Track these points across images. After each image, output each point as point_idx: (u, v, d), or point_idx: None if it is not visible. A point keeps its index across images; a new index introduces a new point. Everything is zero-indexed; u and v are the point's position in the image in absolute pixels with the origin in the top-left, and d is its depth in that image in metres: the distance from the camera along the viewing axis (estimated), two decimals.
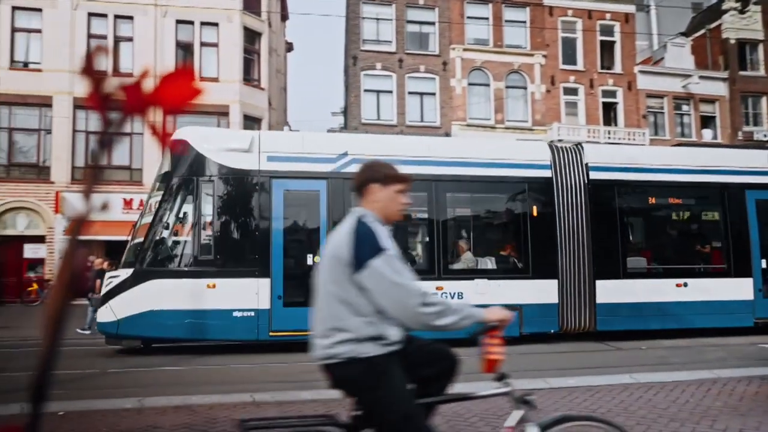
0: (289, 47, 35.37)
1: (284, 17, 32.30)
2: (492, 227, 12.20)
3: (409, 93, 26.89)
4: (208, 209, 10.41)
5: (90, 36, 22.61)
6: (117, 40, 22.69)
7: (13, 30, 22.36)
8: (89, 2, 22.60)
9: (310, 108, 78.95)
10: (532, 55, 28.08)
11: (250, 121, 23.70)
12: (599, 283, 11.43)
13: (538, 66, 28.09)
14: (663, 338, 11.12)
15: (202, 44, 23.70)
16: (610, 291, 11.42)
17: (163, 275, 9.93)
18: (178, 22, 23.38)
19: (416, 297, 2.39)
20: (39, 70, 22.14)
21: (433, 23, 27.53)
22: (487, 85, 27.64)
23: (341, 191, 10.57)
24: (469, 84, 27.46)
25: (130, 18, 23.02)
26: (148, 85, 0.47)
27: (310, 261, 10.57)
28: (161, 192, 10.51)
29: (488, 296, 10.71)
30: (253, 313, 10.05)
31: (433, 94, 27.20)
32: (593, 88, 28.72)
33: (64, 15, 22.41)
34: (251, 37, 24.65)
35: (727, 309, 11.76)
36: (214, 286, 9.94)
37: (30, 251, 21.91)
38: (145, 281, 9.83)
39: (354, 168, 12.40)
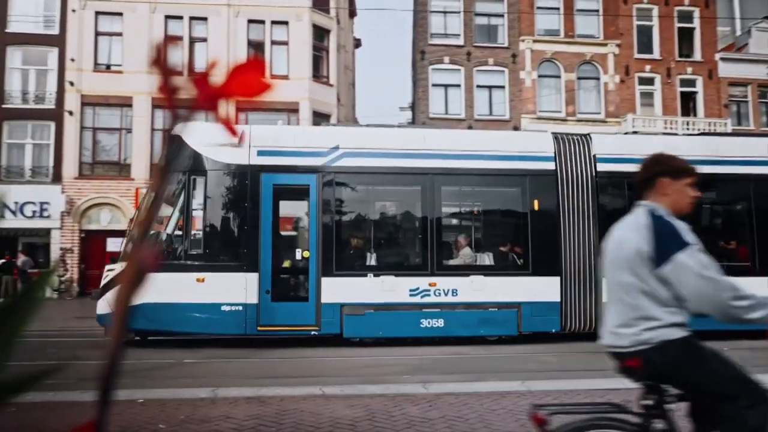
0: (357, 43, 35.61)
1: (352, 14, 32.54)
2: (490, 222, 11.78)
3: (478, 86, 26.58)
4: (198, 204, 10.52)
5: (167, 38, 23.46)
6: (192, 40, 23.46)
7: (97, 34, 23.44)
8: (166, 5, 23.43)
9: (378, 103, 79.30)
10: (605, 44, 27.21)
11: (319, 118, 24.03)
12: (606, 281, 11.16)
13: (611, 56, 27.20)
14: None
15: (273, 43, 24.18)
16: None
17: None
18: (250, 21, 23.92)
19: (728, 291, 2.43)
20: (120, 72, 23.13)
21: (501, 15, 27.09)
22: (558, 76, 26.99)
23: (332, 185, 10.57)
24: (539, 76, 26.89)
25: (204, 19, 23.73)
26: (218, 77, 0.47)
27: (299, 256, 10.65)
28: (159, 186, 10.77)
29: (484, 293, 10.57)
30: (241, 308, 10.08)
31: (502, 87, 26.79)
32: (670, 77, 27.57)
33: (143, 18, 23.32)
34: (320, 34, 24.96)
35: None
36: (203, 280, 10.10)
37: (112, 245, 22.97)
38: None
39: (346, 161, 10.85)
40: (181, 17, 23.69)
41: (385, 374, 7.72)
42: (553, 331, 10.73)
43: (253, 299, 10.13)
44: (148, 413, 5.31)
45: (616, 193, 11.17)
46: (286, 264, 10.65)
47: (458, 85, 26.53)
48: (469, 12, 26.80)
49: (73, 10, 23.01)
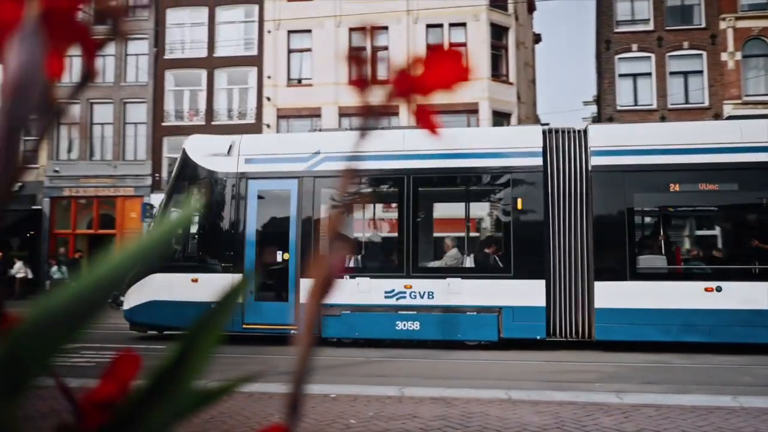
0: (537, 39, 34.68)
1: (531, 8, 31.74)
2: (470, 223, 11.26)
3: (671, 73, 24.55)
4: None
5: (345, 64, 24.67)
6: (374, 50, 24.33)
7: (289, 51, 25.26)
8: (350, 17, 24.63)
9: (560, 99, 76.74)
10: None
11: (500, 117, 23.75)
12: (599, 285, 9.81)
13: None
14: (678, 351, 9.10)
15: (451, 45, 24.34)
16: (613, 295, 9.73)
17: (160, 269, 10.64)
18: (428, 26, 24.32)
19: None
20: (310, 85, 24.71)
21: None
22: (767, 55, 24.10)
23: (312, 189, 10.82)
24: (744, 56, 24.18)
25: (385, 28, 24.56)
26: (414, 69, 0.44)
27: (279, 258, 10.92)
28: (167, 194, 11.78)
29: (462, 297, 9.96)
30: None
31: (700, 72, 24.48)
32: None
33: (330, 33, 24.71)
34: (498, 32, 24.67)
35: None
36: (197, 281, 10.67)
37: None
38: (147, 275, 10.80)
39: (326, 166, 10.86)
40: (364, 29, 24.70)
41: (575, 381, 7.38)
42: (538, 338, 10.06)
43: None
44: (340, 408, 5.56)
45: (612, 188, 10.00)
46: (269, 265, 11.10)
47: (648, 74, 24.72)
48: None
49: (269, 31, 25.01)
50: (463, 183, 10.97)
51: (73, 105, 24.89)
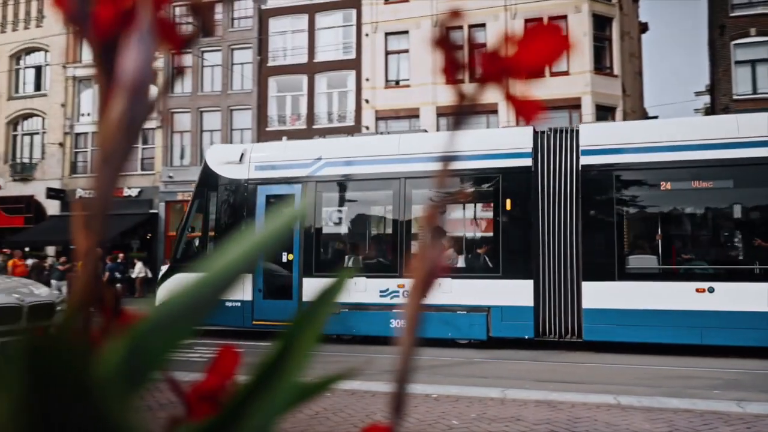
0: (643, 28, 33.10)
1: None
2: (460, 224, 11.40)
3: None
4: (212, 214, 12.30)
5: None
6: (471, 47, 24.15)
7: (387, 53, 25.51)
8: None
9: (670, 90, 72.87)
10: None
11: (604, 111, 22.87)
12: (587, 285, 9.84)
13: None
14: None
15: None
16: (601, 295, 9.75)
17: (183, 270, 11.39)
18: (527, 21, 23.80)
19: None
20: (408, 86, 24.84)
21: None
22: None
23: (313, 193, 11.53)
24: None
25: (483, 25, 24.28)
26: (506, 50, 0.42)
27: (284, 258, 11.62)
28: (192, 198, 12.74)
29: (452, 296, 9.93)
30: (239, 304, 11.14)
31: None
32: None
33: (427, 33, 24.72)
34: (601, 23, 23.77)
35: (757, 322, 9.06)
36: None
37: None
38: (173, 274, 11.83)
39: (326, 171, 11.68)
40: (461, 27, 24.56)
41: (690, 387, 6.97)
42: (526, 337, 10.22)
43: (248, 297, 11.36)
44: (442, 408, 5.54)
45: (602, 187, 9.86)
46: (275, 266, 11.70)
47: None
48: None
49: (366, 35, 25.38)
50: (455, 185, 11.27)
51: (171, 110, 26.35)
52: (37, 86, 29.04)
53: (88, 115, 28.17)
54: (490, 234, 11.00)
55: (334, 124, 25.59)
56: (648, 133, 10.32)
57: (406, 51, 25.12)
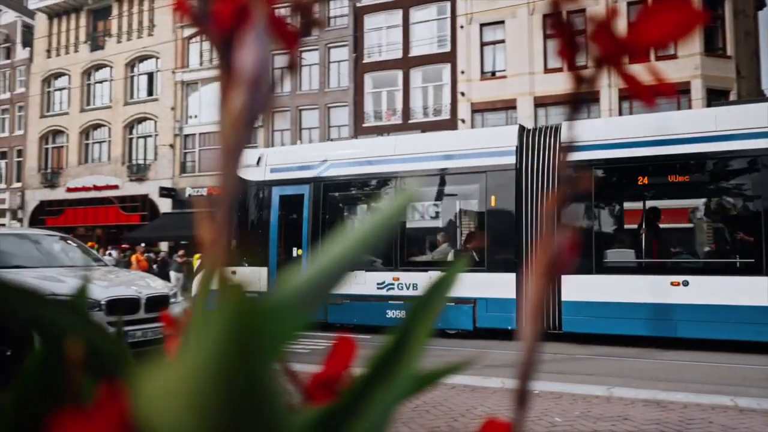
0: (760, 5, 30.80)
1: None
2: (449, 221, 12.02)
3: None
4: (237, 213, 12.41)
5: (546, 36, 23.87)
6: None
7: (482, 45, 25.17)
8: (544, 4, 23.89)
9: None
10: None
11: (716, 95, 21.51)
12: (566, 279, 9.99)
13: None
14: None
15: None
16: (578, 288, 9.90)
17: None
18: (629, 4, 22.76)
19: None
20: (504, 77, 24.40)
21: None
22: None
23: (319, 193, 12.37)
24: None
25: (582, 11, 23.41)
26: (622, 26, 0.39)
27: (294, 253, 12.45)
28: None
29: None
30: (257, 296, 11.87)
31: None
32: None
33: (523, 22, 24.19)
34: (712, 1, 22.34)
35: (741, 317, 8.99)
36: (234, 273, 12.60)
37: None
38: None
39: (332, 172, 12.39)
40: (560, 13, 23.86)
41: None
42: (509, 328, 10.51)
43: (265, 289, 11.96)
44: (544, 405, 5.43)
45: (579, 183, 8.61)
46: (287, 260, 12.47)
47: None
48: None
49: (461, 27, 25.14)
50: (444, 183, 11.91)
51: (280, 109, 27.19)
52: (150, 91, 30.91)
53: (196, 117, 29.70)
54: (477, 229, 11.74)
55: (430, 119, 25.57)
56: (625, 129, 10.57)
57: (502, 41, 24.68)
